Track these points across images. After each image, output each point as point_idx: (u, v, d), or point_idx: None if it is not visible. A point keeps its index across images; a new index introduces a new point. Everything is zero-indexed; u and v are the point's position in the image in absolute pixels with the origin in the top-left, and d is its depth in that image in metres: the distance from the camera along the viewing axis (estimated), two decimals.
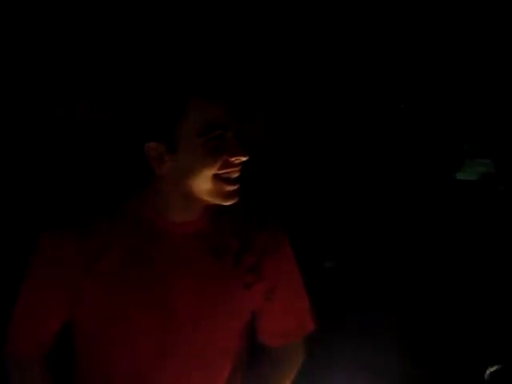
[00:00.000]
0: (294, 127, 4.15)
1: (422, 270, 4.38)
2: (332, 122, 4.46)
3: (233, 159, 1.46)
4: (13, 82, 3.06)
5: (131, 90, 1.51)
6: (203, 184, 1.47)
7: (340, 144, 4.48)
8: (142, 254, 1.52)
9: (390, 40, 4.32)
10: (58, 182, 2.93)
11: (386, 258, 4.45)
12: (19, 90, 3.01)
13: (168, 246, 1.52)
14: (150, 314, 1.52)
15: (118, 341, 1.54)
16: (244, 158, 1.47)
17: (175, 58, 1.44)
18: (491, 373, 1.62)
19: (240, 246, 1.57)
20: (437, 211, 5.00)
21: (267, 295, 1.62)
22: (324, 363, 3.05)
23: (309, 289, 1.71)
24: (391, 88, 4.58)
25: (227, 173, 1.46)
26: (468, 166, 5.13)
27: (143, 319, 1.52)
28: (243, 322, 1.62)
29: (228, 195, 1.49)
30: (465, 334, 3.89)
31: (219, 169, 1.45)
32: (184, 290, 1.52)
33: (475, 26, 4.49)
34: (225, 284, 1.56)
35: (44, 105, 2.95)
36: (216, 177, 1.46)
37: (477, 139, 5.14)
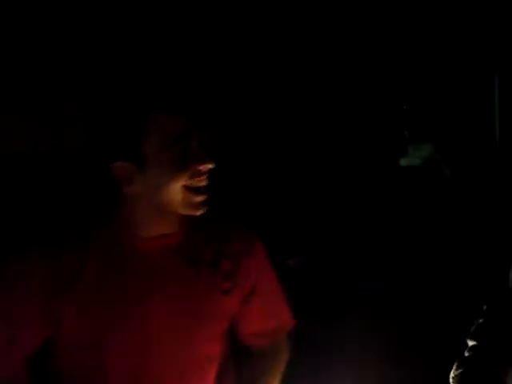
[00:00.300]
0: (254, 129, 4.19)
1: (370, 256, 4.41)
2: (290, 122, 4.49)
3: (199, 168, 1.48)
4: None
5: (93, 114, 1.49)
6: (174, 196, 1.48)
7: (296, 137, 4.51)
8: (117, 273, 1.52)
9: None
10: (28, 203, 2.89)
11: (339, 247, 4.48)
12: None
13: (143, 263, 1.53)
14: (128, 334, 1.52)
15: (99, 362, 1.54)
16: (210, 166, 1.49)
17: (132, 76, 1.39)
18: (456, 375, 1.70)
19: (215, 254, 1.60)
20: (385, 199, 5.07)
21: (246, 298, 1.66)
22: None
23: (285, 287, 1.76)
24: (335, 80, 4.63)
25: (196, 182, 1.48)
26: (411, 152, 5.21)
27: (121, 340, 1.52)
28: (223, 329, 1.66)
29: (198, 205, 1.51)
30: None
31: (188, 179, 1.47)
32: (161, 304, 1.53)
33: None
34: (203, 293, 1.58)
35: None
36: (185, 188, 1.48)
37: (417, 125, 5.21)
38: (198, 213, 1.52)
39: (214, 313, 1.60)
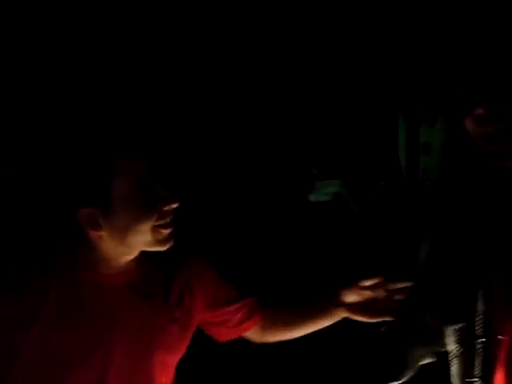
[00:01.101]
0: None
1: None
2: None
3: (166, 208, 1.58)
4: None
5: (58, 163, 1.51)
6: (142, 237, 1.55)
7: None
8: (78, 309, 1.57)
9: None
10: None
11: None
12: None
13: (102, 298, 1.60)
14: (88, 368, 1.57)
15: None
16: (175, 205, 1.60)
17: (97, 125, 1.56)
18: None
19: (165, 285, 1.71)
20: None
21: (209, 308, 1.82)
22: None
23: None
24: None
25: (163, 220, 1.58)
26: (318, 188, 5.25)
27: (81, 374, 1.57)
28: (179, 357, 1.79)
29: (166, 240, 1.61)
30: None
31: (156, 220, 1.56)
32: (121, 338, 1.61)
33: None
34: (157, 324, 1.67)
35: None
36: (154, 227, 1.56)
37: (324, 162, 5.26)
38: (167, 246, 1.61)
39: (168, 342, 1.70)
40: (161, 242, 1.60)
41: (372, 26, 4.28)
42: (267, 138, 4.78)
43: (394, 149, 5.36)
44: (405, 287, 1.85)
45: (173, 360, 1.78)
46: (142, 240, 1.55)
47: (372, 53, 4.42)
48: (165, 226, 1.59)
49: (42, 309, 1.56)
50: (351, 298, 1.89)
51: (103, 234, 1.52)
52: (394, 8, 4.11)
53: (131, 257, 1.64)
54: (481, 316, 1.41)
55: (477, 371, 1.35)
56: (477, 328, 1.40)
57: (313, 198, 5.48)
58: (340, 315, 1.95)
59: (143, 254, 1.66)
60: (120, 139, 1.49)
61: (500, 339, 1.37)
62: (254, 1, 3.96)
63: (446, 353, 1.59)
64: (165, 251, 1.67)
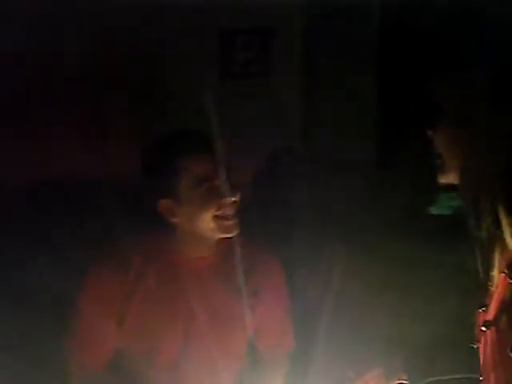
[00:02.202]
0: None
1: None
2: None
3: (224, 201, 1.83)
4: None
5: (143, 169, 1.90)
6: (207, 225, 1.86)
7: None
8: (166, 285, 1.92)
9: None
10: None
11: None
12: None
13: (188, 278, 1.92)
14: (173, 332, 1.92)
15: (150, 351, 1.92)
16: (234, 199, 1.85)
17: (167, 137, 1.93)
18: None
19: (244, 275, 1.95)
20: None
21: (263, 315, 2.01)
22: None
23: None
24: None
25: (224, 211, 1.85)
26: (441, 201, 5.32)
27: (168, 336, 1.92)
28: (246, 334, 2.03)
29: (228, 229, 1.87)
30: None
31: (216, 210, 1.85)
32: (200, 310, 1.89)
33: None
34: (234, 305, 1.97)
35: None
36: (216, 217, 1.85)
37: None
38: (230, 235, 1.87)
39: (239, 321, 1.99)
40: (223, 231, 1.87)
41: None
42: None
43: None
44: None
45: (242, 335, 2.03)
46: (207, 227, 1.85)
47: None
48: (226, 218, 1.85)
49: (141, 287, 1.92)
50: None
51: (179, 221, 1.87)
52: None
53: (207, 242, 1.93)
54: None
55: None
56: None
57: (434, 210, 4.81)
58: None
59: (225, 245, 1.89)
60: (187, 147, 1.83)
61: None
62: None
63: None
64: (246, 247, 1.89)
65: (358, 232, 4.61)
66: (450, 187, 5.15)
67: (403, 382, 1.65)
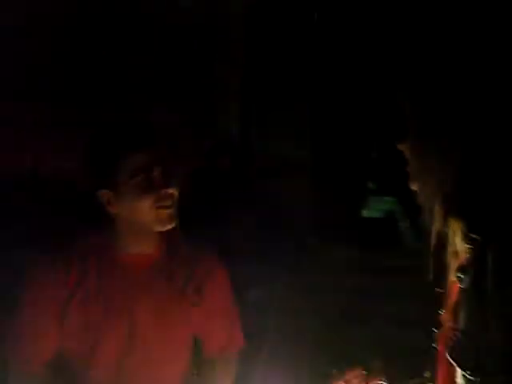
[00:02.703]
0: None
1: None
2: None
3: (161, 192, 1.79)
4: None
5: (84, 161, 1.89)
6: (145, 216, 1.81)
7: None
8: (107, 284, 1.85)
9: None
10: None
11: None
12: None
13: (129, 275, 1.87)
14: (115, 335, 1.84)
15: (92, 351, 1.84)
16: (170, 191, 1.81)
17: (106, 129, 1.95)
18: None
19: (187, 272, 1.91)
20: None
21: (208, 313, 1.94)
22: None
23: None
24: None
25: (162, 202, 1.80)
26: (373, 204, 5.44)
27: (110, 338, 1.84)
28: (191, 334, 1.97)
29: (165, 221, 1.82)
30: None
31: (154, 201, 1.79)
32: (143, 311, 1.85)
33: None
34: (177, 303, 1.91)
35: None
36: (155, 207, 1.80)
37: (381, 178, 5.41)
38: (168, 226, 1.82)
39: (184, 319, 1.91)
40: (161, 222, 1.83)
41: None
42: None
43: None
44: None
45: (186, 335, 1.98)
46: (146, 219, 1.82)
47: None
48: (163, 208, 1.81)
49: (83, 285, 1.89)
50: None
51: (117, 212, 1.83)
52: None
53: (148, 236, 1.92)
54: None
55: None
56: None
57: (365, 213, 4.99)
58: None
59: (166, 244, 1.95)
60: (126, 139, 1.84)
61: None
62: None
63: None
64: (188, 245, 1.95)
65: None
66: (382, 191, 5.23)
67: (382, 383, 1.65)
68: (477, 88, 1.39)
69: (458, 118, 1.36)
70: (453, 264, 1.35)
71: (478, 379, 1.26)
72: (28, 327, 1.90)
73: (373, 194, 5.12)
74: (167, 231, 1.89)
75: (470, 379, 1.26)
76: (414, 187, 1.38)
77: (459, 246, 1.33)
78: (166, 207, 1.83)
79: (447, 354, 1.32)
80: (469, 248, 1.30)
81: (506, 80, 1.41)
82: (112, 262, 1.91)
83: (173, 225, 1.85)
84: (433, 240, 1.36)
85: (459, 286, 1.32)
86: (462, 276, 1.31)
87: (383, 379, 1.70)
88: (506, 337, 1.24)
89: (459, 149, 1.32)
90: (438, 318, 1.42)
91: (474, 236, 1.28)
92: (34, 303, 1.88)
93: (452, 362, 1.30)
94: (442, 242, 1.36)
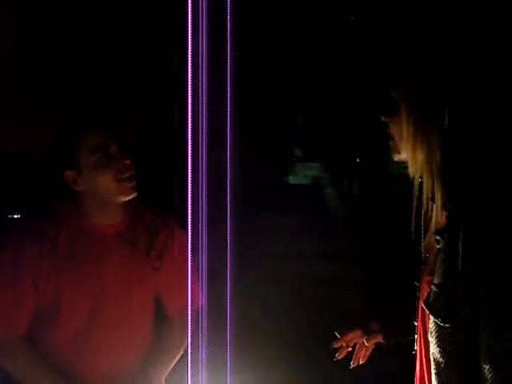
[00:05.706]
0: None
1: None
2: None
3: (120, 165, 1.92)
4: None
5: (52, 144, 2.01)
6: (108, 189, 1.94)
7: None
8: (77, 250, 1.97)
9: None
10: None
11: None
12: None
13: (98, 244, 2.00)
14: (84, 296, 1.98)
15: (60, 318, 1.98)
16: (128, 162, 1.94)
17: (67, 110, 2.12)
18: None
19: (150, 239, 2.06)
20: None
21: (167, 276, 2.07)
22: None
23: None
24: None
25: (122, 174, 1.93)
26: (299, 170, 5.56)
27: (79, 299, 1.97)
28: (154, 295, 2.12)
29: (127, 191, 1.96)
30: None
31: (116, 174, 1.92)
32: (110, 274, 1.98)
33: None
34: (140, 268, 2.05)
35: None
36: (116, 180, 1.93)
37: (307, 144, 5.56)
38: (130, 196, 1.97)
39: (146, 282, 2.07)
40: (122, 193, 1.94)
41: None
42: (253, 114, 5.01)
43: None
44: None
45: (149, 296, 2.09)
46: (108, 191, 1.93)
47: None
48: (125, 180, 1.92)
49: (53, 254, 1.95)
50: None
51: (83, 189, 1.94)
52: None
53: (112, 208, 2.00)
54: None
55: None
56: None
57: (292, 179, 5.19)
58: None
59: (132, 213, 2.04)
60: (84, 120, 1.96)
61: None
62: None
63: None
64: (152, 212, 2.08)
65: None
66: (308, 158, 5.42)
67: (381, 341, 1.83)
68: (470, 55, 1.43)
69: (448, 87, 1.41)
70: (432, 228, 1.54)
71: (448, 325, 1.38)
72: (7, 293, 1.97)
73: (299, 160, 5.27)
74: (130, 201, 2.01)
75: (440, 326, 1.39)
76: (396, 158, 1.54)
77: (439, 212, 1.46)
78: (127, 179, 1.94)
79: (422, 303, 1.45)
80: (446, 215, 1.43)
81: (497, 51, 1.47)
82: (81, 232, 2.00)
83: (134, 195, 1.98)
84: (414, 206, 1.50)
85: (437, 246, 1.45)
86: (439, 238, 1.44)
87: (381, 339, 1.89)
88: (473, 291, 1.36)
89: (449, 116, 1.39)
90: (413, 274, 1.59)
91: (450, 205, 1.41)
92: (10, 270, 1.96)
93: (426, 309, 1.43)
94: (424, 208, 1.51)
